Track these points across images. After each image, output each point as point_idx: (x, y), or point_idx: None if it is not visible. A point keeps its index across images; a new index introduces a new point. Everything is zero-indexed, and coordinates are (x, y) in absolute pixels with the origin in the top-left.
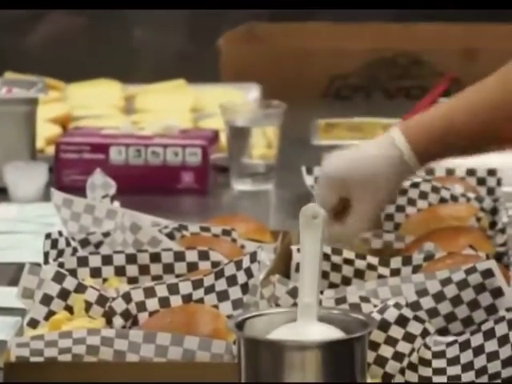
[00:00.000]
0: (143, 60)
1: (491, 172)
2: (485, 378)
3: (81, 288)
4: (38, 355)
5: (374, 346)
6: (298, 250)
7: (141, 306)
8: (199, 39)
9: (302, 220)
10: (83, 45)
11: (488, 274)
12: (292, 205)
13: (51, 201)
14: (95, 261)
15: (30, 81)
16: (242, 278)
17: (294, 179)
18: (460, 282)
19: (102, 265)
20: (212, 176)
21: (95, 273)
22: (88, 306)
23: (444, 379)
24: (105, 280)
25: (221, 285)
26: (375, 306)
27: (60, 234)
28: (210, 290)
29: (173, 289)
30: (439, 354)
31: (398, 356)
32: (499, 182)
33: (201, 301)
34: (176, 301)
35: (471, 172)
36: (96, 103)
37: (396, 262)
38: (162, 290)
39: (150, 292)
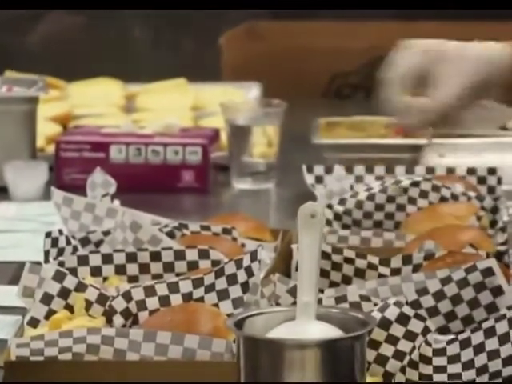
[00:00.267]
0: (144, 59)
1: (492, 171)
2: (485, 377)
3: (81, 287)
4: (38, 355)
5: (375, 344)
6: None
7: (141, 305)
8: (200, 38)
9: (301, 219)
10: (84, 43)
11: (488, 272)
12: (292, 204)
13: (51, 199)
14: (95, 259)
15: (31, 79)
16: (242, 276)
17: (295, 178)
18: (460, 280)
19: (103, 263)
20: (212, 175)
21: (95, 271)
22: (88, 304)
23: (444, 377)
24: (105, 279)
25: (221, 283)
26: (375, 304)
27: (60, 232)
28: (210, 288)
29: (173, 287)
30: (440, 352)
31: (398, 354)
32: (500, 181)
33: (201, 299)
34: (176, 299)
35: (472, 171)
36: (96, 102)
37: (396, 261)
38: (162, 289)
39: (150, 291)
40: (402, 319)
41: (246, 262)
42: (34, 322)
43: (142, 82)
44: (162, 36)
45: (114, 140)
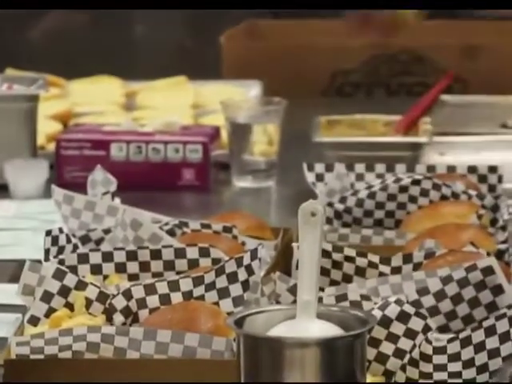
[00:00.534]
0: (144, 57)
1: (492, 169)
2: (486, 375)
3: (81, 285)
4: (38, 353)
5: (375, 342)
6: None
7: (141, 303)
8: (200, 36)
9: (301, 217)
10: (84, 41)
11: (488, 271)
12: (293, 202)
13: (52, 197)
14: (96, 258)
15: (31, 77)
16: (242, 275)
17: (295, 176)
18: (460, 279)
19: (103, 262)
20: (213, 173)
21: (96, 270)
22: (88, 303)
23: (445, 376)
24: (105, 277)
25: (221, 282)
26: (376, 303)
27: (60, 230)
28: (210, 287)
29: (173, 286)
30: (440, 350)
31: (399, 353)
32: (500, 179)
33: (201, 298)
34: (176, 298)
35: (472, 169)
36: (97, 100)
37: (397, 259)
38: (162, 287)
39: (150, 289)
40: (403, 317)
41: (247, 260)
42: (34, 321)
43: (143, 79)
44: (162, 34)
45: (114, 138)
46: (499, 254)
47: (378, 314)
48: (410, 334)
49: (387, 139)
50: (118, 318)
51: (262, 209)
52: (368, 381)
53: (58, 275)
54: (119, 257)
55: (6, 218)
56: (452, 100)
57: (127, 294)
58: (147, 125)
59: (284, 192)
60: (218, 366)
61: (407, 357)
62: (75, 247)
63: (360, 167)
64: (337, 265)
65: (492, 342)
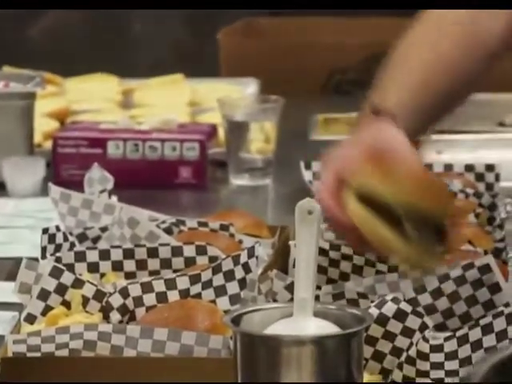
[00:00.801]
0: (141, 54)
1: (490, 167)
2: None
3: (78, 283)
4: (35, 351)
5: (372, 340)
6: None
7: (138, 301)
8: (198, 34)
9: (298, 215)
10: (81, 39)
11: (485, 269)
12: (290, 200)
13: (49, 195)
14: (93, 256)
15: (28, 75)
16: (239, 273)
17: (292, 174)
18: (457, 278)
19: (100, 260)
20: (210, 171)
21: (93, 268)
22: (85, 301)
23: (442, 374)
24: (102, 275)
25: (218, 280)
26: (372, 301)
27: (57, 228)
28: (207, 285)
29: (170, 284)
30: (437, 348)
31: (396, 351)
32: (498, 178)
33: (198, 296)
34: (173, 296)
35: (470, 167)
36: (94, 98)
37: (394, 258)
38: (159, 285)
39: (147, 287)
40: (400, 315)
41: (244, 258)
42: (30, 319)
43: (140, 77)
44: (159, 32)
45: (111, 136)
46: (496, 253)
47: (374, 312)
48: (407, 332)
49: None
50: (115, 316)
51: (258, 207)
52: (365, 379)
53: (55, 273)
54: (116, 255)
55: (3, 215)
56: None
57: (124, 292)
58: (144, 123)
59: (281, 190)
60: (214, 364)
61: (404, 355)
62: (72, 245)
63: None
64: (334, 263)
65: (489, 340)
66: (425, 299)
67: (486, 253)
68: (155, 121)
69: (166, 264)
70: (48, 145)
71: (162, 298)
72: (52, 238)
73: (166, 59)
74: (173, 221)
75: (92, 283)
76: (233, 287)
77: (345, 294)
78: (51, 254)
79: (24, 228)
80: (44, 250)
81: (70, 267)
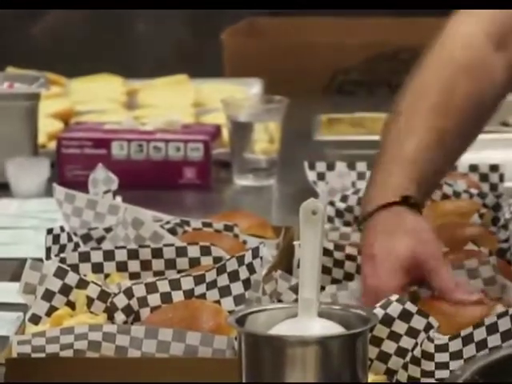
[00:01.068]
0: (145, 55)
1: (494, 168)
2: None
3: (82, 284)
4: (39, 352)
5: (377, 341)
6: None
7: (142, 302)
8: (201, 34)
9: (302, 216)
10: (85, 40)
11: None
12: (294, 200)
13: (53, 196)
14: (97, 256)
15: (32, 76)
16: (243, 273)
17: (296, 174)
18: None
19: (104, 260)
20: (214, 171)
21: (97, 268)
22: (90, 301)
23: (446, 374)
24: (106, 275)
25: (223, 280)
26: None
27: (62, 229)
28: (211, 285)
29: (174, 284)
30: (442, 348)
31: (401, 351)
32: (502, 178)
33: (203, 296)
34: (178, 296)
35: (474, 168)
36: (98, 98)
37: None
38: (163, 286)
39: (151, 287)
40: (405, 316)
41: (248, 258)
42: (35, 319)
43: (144, 78)
44: (163, 32)
45: (115, 136)
46: (501, 253)
47: (379, 312)
48: (412, 333)
49: None
50: (120, 317)
51: (263, 207)
52: (370, 379)
53: (60, 274)
54: (120, 255)
55: (8, 216)
56: None
57: (128, 293)
58: (148, 123)
59: (285, 190)
60: (219, 364)
61: (409, 355)
62: (76, 246)
63: (361, 166)
64: (338, 263)
65: (494, 340)
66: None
67: (490, 253)
68: (159, 121)
69: (170, 264)
70: (52, 145)
71: (166, 298)
72: (56, 239)
73: (170, 60)
74: (177, 221)
75: (96, 284)
76: (237, 288)
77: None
78: (56, 255)
79: (28, 228)
80: (48, 250)
81: (75, 268)
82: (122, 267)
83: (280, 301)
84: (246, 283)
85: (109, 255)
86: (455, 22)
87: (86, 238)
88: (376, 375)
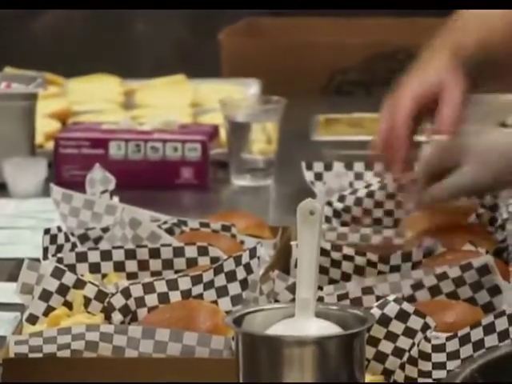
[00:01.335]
0: (143, 55)
1: None
2: None
3: (80, 284)
4: (36, 352)
5: (374, 341)
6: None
7: (140, 302)
8: (199, 34)
9: (300, 216)
10: (83, 40)
11: (484, 270)
12: (292, 200)
13: (50, 196)
14: (94, 256)
15: (29, 76)
16: (241, 273)
17: (294, 175)
18: (456, 278)
19: (101, 260)
20: (211, 171)
21: (94, 268)
22: (87, 301)
23: (444, 374)
24: (104, 276)
25: (220, 280)
26: (377, 296)
27: (59, 229)
28: (209, 285)
29: (172, 284)
30: (439, 348)
31: (398, 352)
32: None
33: (200, 296)
34: (175, 296)
35: None
36: (95, 98)
37: (396, 258)
38: (161, 286)
39: (149, 288)
40: (402, 316)
41: (245, 259)
42: (32, 319)
43: (142, 78)
44: (161, 32)
45: (113, 136)
46: (498, 253)
47: (377, 312)
48: (409, 333)
49: None
50: (117, 317)
51: (260, 207)
52: (367, 380)
53: (57, 274)
54: (118, 255)
55: (5, 216)
56: None
57: (126, 293)
58: (146, 123)
59: (283, 191)
60: (216, 364)
61: (406, 355)
62: (74, 246)
63: (359, 166)
64: (336, 263)
65: (491, 340)
66: (422, 296)
67: (487, 253)
68: (157, 121)
69: (167, 264)
70: (50, 145)
71: (163, 298)
72: (53, 239)
73: (168, 60)
74: (174, 221)
75: (94, 284)
76: (234, 288)
77: (349, 295)
78: (53, 255)
79: (25, 229)
80: (45, 250)
81: (72, 268)
82: (119, 267)
83: (277, 301)
84: (244, 283)
85: (106, 255)
86: None
87: (84, 238)
88: (373, 375)
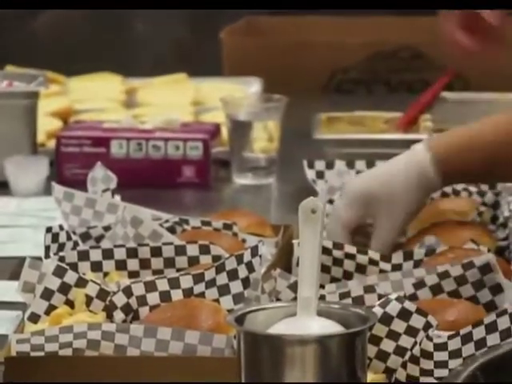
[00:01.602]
0: (144, 53)
1: None
2: None
3: (81, 282)
4: (38, 350)
5: (376, 340)
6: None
7: (141, 300)
8: (200, 32)
9: (301, 214)
10: (84, 38)
11: (486, 269)
12: (293, 199)
13: (52, 195)
14: (96, 255)
15: (31, 74)
16: (243, 272)
17: (296, 173)
18: (458, 277)
19: (103, 259)
20: (213, 170)
21: (96, 267)
22: (89, 300)
23: (445, 372)
24: (105, 274)
25: (222, 279)
26: (379, 294)
27: (61, 227)
28: (210, 284)
29: (174, 283)
30: (441, 347)
31: (399, 350)
32: None
33: (202, 295)
34: (177, 295)
35: None
36: (97, 97)
37: (397, 256)
38: (162, 284)
39: (150, 286)
40: (404, 315)
41: (247, 257)
42: (34, 318)
43: (143, 76)
44: (162, 31)
45: (114, 135)
46: (500, 251)
47: (378, 311)
48: (411, 332)
49: (387, 136)
50: (119, 316)
51: (262, 206)
52: (369, 378)
53: (59, 272)
54: (119, 254)
55: (6, 215)
56: (452, 97)
57: (127, 291)
58: (147, 122)
59: (284, 189)
60: (218, 363)
61: (408, 354)
62: (75, 244)
63: (360, 164)
64: (337, 262)
65: (493, 339)
66: (424, 295)
67: (489, 252)
68: (158, 120)
69: (169, 263)
70: (51, 144)
71: (165, 297)
72: (55, 237)
73: (169, 58)
74: (176, 220)
75: (95, 282)
76: (236, 286)
77: (351, 293)
78: (54, 253)
79: (27, 227)
80: (47, 249)
81: (74, 266)
82: (121, 266)
83: (279, 299)
84: (245, 282)
85: (108, 254)
86: None
87: (85, 236)
88: (375, 374)
